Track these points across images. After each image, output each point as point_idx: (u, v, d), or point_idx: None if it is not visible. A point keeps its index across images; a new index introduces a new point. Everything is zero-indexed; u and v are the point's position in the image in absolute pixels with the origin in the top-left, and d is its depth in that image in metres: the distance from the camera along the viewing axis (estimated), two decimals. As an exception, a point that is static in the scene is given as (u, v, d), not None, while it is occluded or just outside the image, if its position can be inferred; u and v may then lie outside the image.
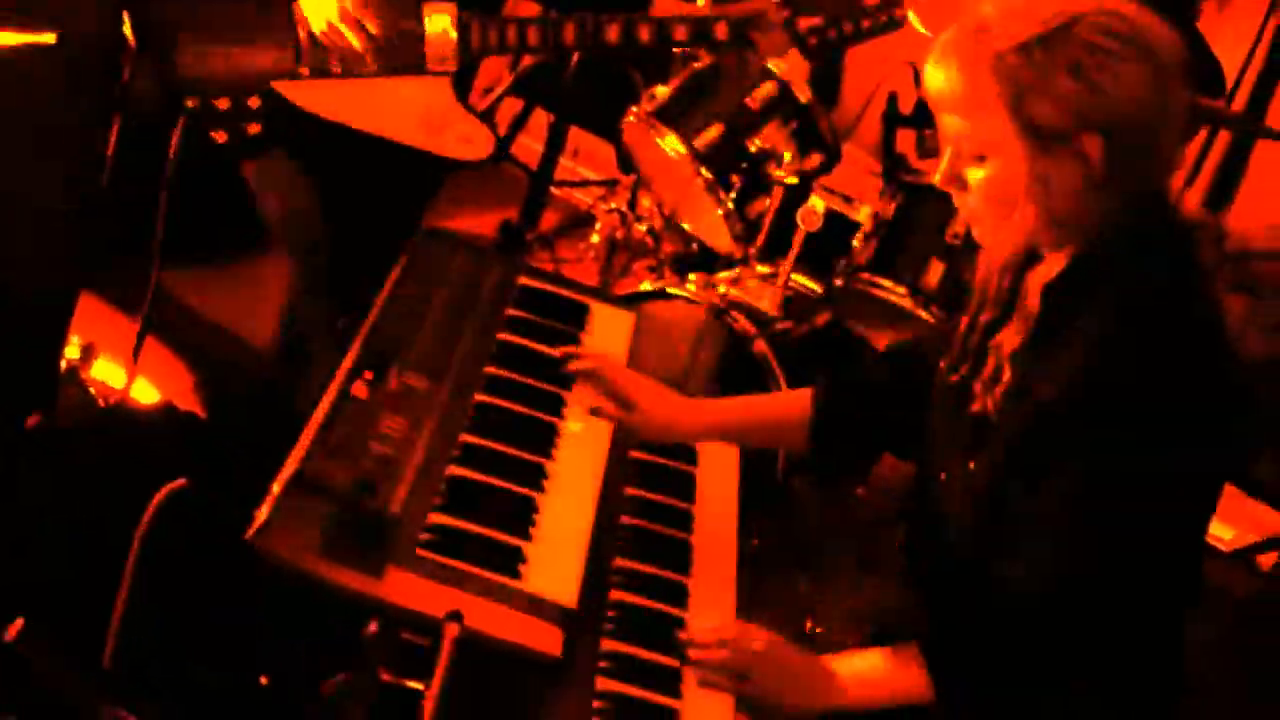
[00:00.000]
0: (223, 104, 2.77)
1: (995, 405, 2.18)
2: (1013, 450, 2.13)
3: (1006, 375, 2.17)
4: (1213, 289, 2.13)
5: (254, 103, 2.78)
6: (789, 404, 2.64)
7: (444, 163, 3.01)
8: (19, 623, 1.74)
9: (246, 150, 2.85)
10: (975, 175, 2.12)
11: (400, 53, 2.84)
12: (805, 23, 2.97)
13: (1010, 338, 2.20)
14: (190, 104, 2.78)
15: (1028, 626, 2.11)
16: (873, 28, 3.01)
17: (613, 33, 2.86)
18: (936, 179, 2.19)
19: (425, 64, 2.84)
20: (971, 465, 2.21)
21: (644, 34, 2.88)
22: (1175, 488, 2.07)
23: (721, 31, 2.96)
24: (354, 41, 2.80)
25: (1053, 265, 2.18)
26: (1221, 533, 5.09)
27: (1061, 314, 2.13)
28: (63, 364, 3.81)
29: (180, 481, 2.15)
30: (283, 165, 3.12)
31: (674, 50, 4.03)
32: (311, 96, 2.81)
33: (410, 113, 2.86)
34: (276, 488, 2.05)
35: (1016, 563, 2.11)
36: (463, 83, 3.27)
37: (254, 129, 2.79)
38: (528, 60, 4.76)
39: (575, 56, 4.56)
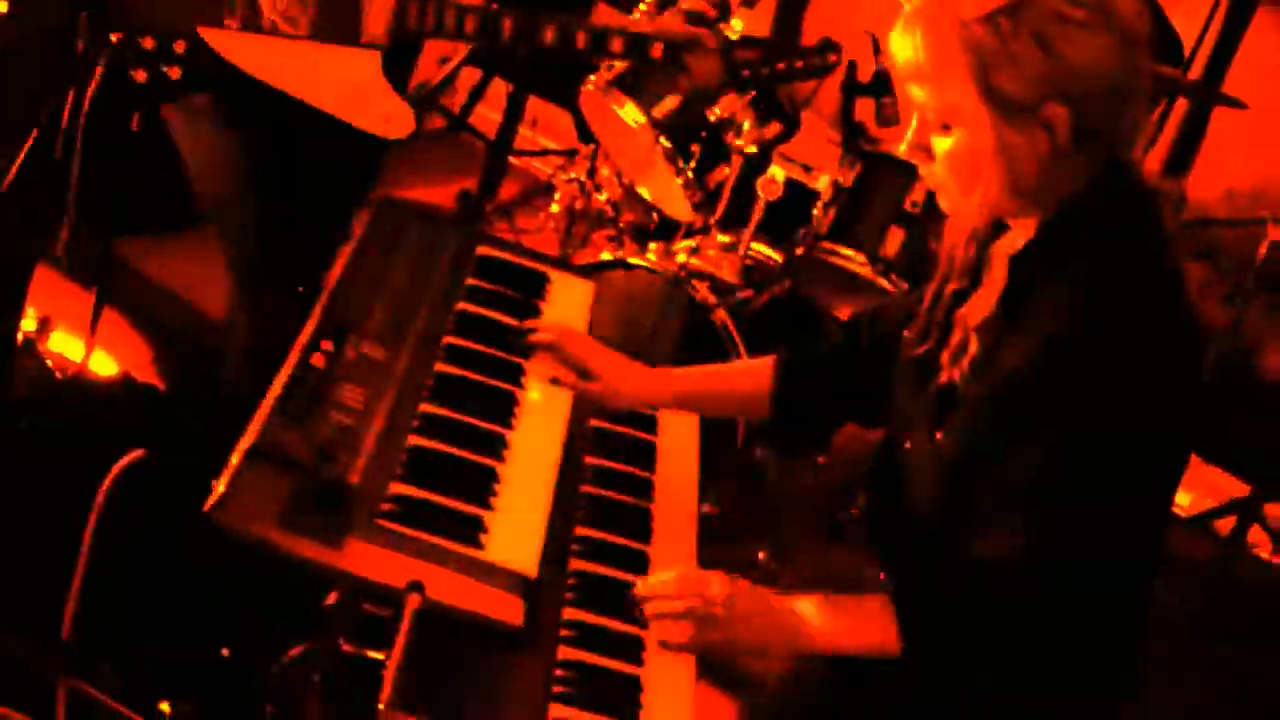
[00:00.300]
0: (148, 44, 2.75)
1: (962, 376, 2.19)
2: (981, 420, 2.13)
3: (973, 346, 2.17)
4: (1176, 256, 2.13)
5: (179, 47, 2.76)
6: (751, 373, 2.63)
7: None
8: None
9: (163, 95, 2.83)
10: (941, 145, 2.11)
11: (336, 21, 2.82)
12: (742, 55, 2.98)
13: (977, 308, 2.20)
14: (115, 39, 2.75)
15: (1000, 592, 2.11)
16: (806, 69, 3.03)
17: (549, 34, 2.86)
18: (902, 149, 2.18)
19: (359, 36, 2.82)
20: (939, 436, 2.21)
21: (580, 41, 2.89)
22: (1144, 453, 2.07)
23: (657, 51, 2.97)
24: (291, 1, 2.79)
25: (1018, 235, 2.19)
26: (1179, 499, 5.12)
27: (1028, 284, 2.13)
28: (19, 337, 3.79)
29: (138, 452, 2.13)
30: (212, 131, 3.10)
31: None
32: (238, 50, 2.79)
33: (335, 82, 2.84)
34: (234, 459, 2.03)
35: (988, 532, 2.11)
36: (405, 60, 3.26)
37: (174, 74, 2.77)
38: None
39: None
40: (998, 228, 2.23)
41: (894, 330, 2.41)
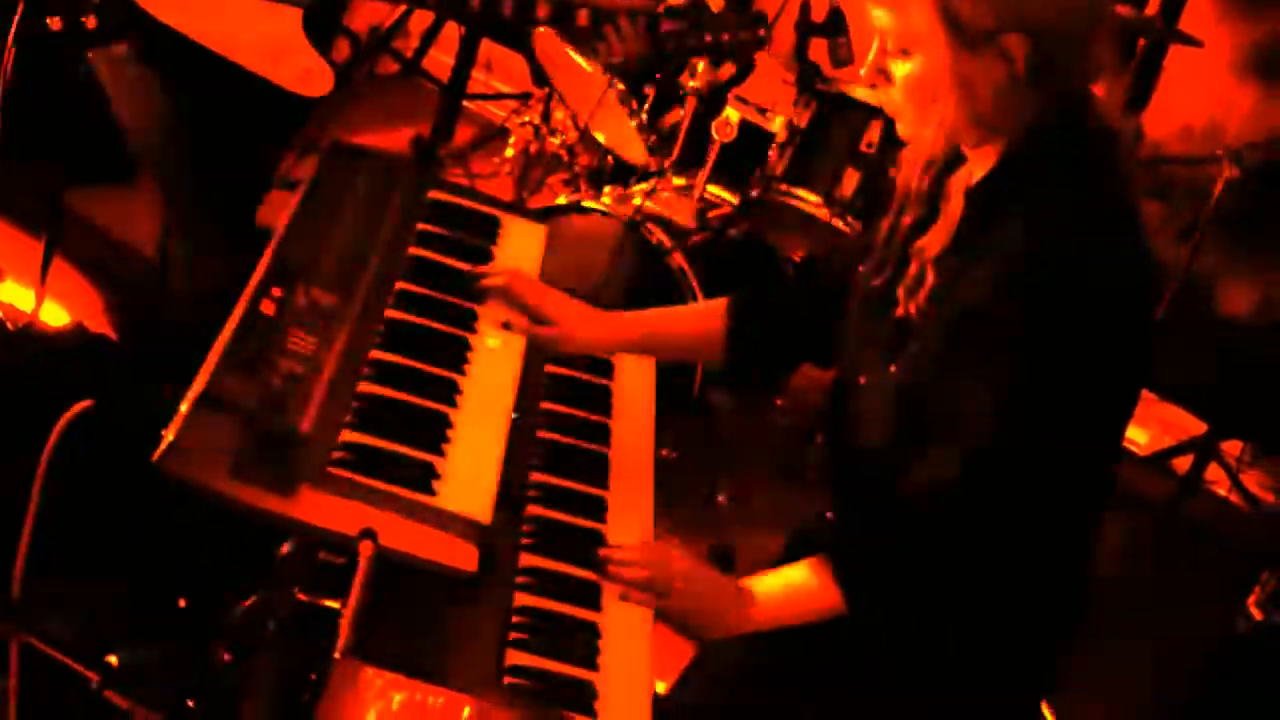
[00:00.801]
0: None
1: (918, 309, 2.18)
2: (936, 352, 2.13)
3: (930, 278, 2.17)
4: (1133, 192, 2.13)
5: None
6: (705, 315, 2.62)
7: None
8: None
9: (80, 41, 2.79)
10: (900, 70, 2.11)
11: None
12: (667, 26, 2.96)
13: (933, 241, 2.20)
14: None
15: (938, 525, 2.12)
16: (732, 43, 3.01)
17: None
18: (862, 72, 2.18)
19: None
20: (893, 369, 2.20)
21: (507, 5, 2.88)
22: (1094, 386, 2.08)
23: (582, 19, 2.95)
24: None
25: (976, 167, 2.18)
26: (1137, 437, 5.16)
27: (985, 216, 2.13)
28: (-32, 289, 3.75)
29: (85, 403, 2.10)
30: (134, 78, 3.07)
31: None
32: (155, 1, 2.75)
33: (255, 37, 2.81)
34: (183, 407, 2.00)
35: (930, 455, 2.11)
36: (330, 16, 3.24)
37: (91, 23, 2.73)
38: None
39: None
40: (955, 160, 2.22)
41: (849, 268, 2.40)
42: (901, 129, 2.21)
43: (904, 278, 2.22)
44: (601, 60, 4.10)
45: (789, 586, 2.25)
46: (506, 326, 2.49)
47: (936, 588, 2.16)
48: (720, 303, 2.59)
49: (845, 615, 2.20)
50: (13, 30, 2.77)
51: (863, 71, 2.18)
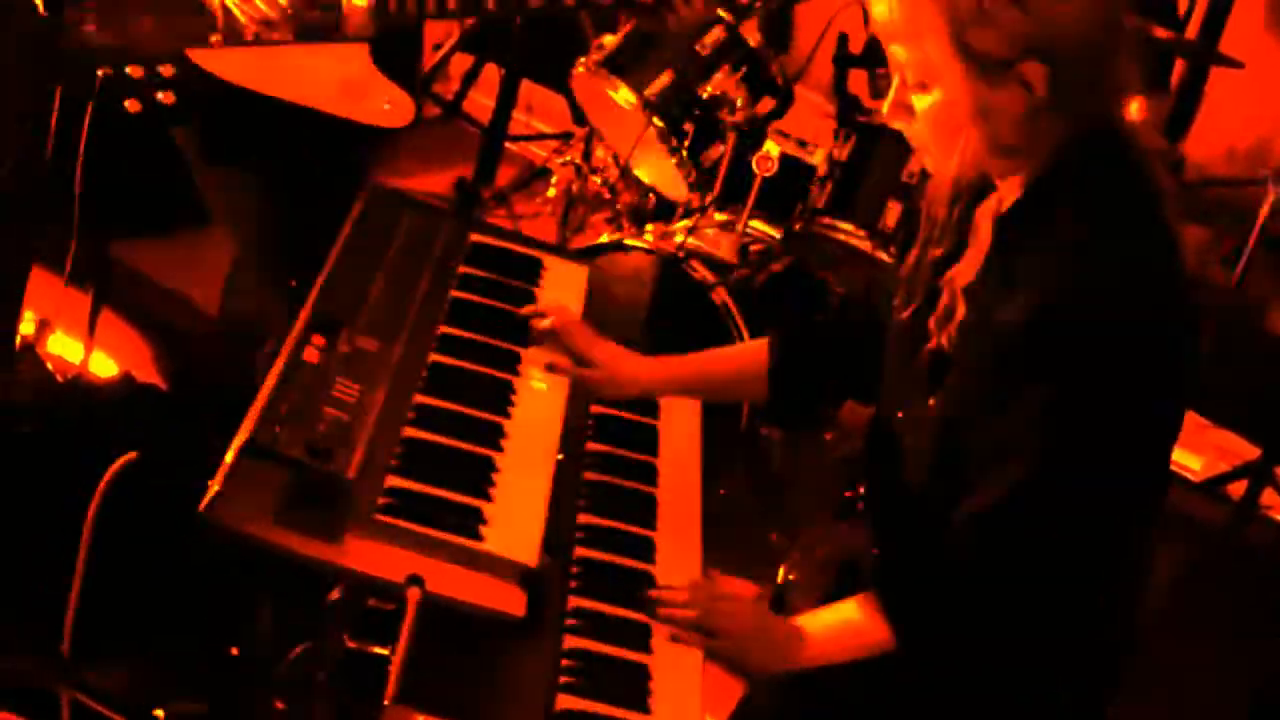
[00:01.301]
0: (135, 72, 2.71)
1: (951, 341, 2.16)
2: (972, 384, 2.11)
3: (960, 310, 2.15)
4: (1169, 214, 2.11)
5: (167, 71, 2.73)
6: (748, 355, 2.61)
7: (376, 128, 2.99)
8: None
9: (162, 119, 2.80)
10: (921, 103, 2.10)
11: (315, 20, 2.80)
12: None
13: (963, 271, 2.18)
14: (102, 73, 2.72)
15: (985, 558, 2.10)
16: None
17: None
18: (884, 109, 2.17)
19: (341, 31, 2.80)
20: (931, 402, 2.19)
21: None
22: (1137, 414, 2.05)
23: None
24: (267, 9, 2.76)
25: (1003, 196, 2.16)
26: (1190, 463, 5.11)
27: (1014, 244, 2.11)
28: (18, 340, 3.77)
29: (131, 455, 2.11)
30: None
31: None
32: (227, 66, 2.76)
33: (328, 81, 2.82)
34: (228, 457, 2.01)
35: (977, 488, 2.09)
36: (408, 47, 3.24)
37: (168, 99, 2.73)
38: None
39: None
40: (982, 189, 2.20)
41: (885, 302, 2.39)
42: (926, 162, 2.20)
43: (935, 310, 2.20)
44: (674, 27, 4.09)
45: (838, 623, 2.23)
46: (551, 369, 2.49)
47: (984, 622, 2.14)
48: (762, 343, 2.58)
49: (894, 651, 2.18)
50: (86, 121, 2.78)
51: (884, 108, 2.17)
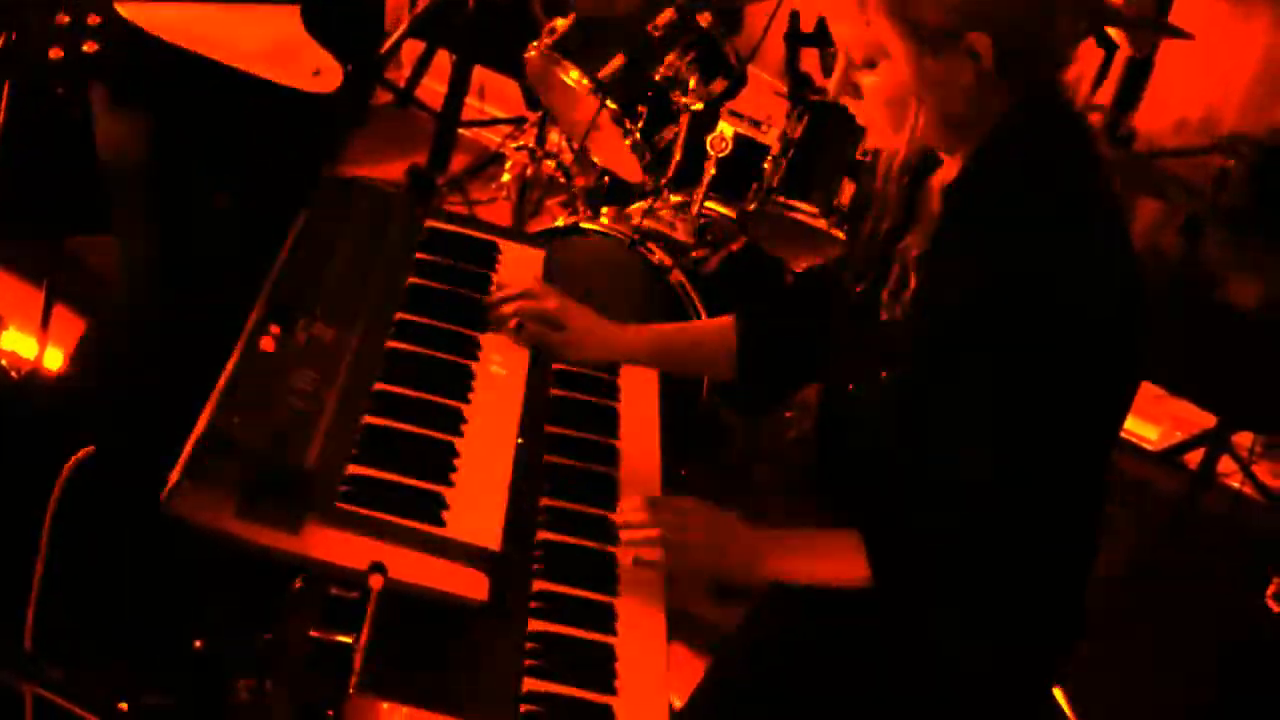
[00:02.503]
0: (62, 19, 2.68)
1: (904, 311, 2.17)
2: (926, 353, 2.12)
3: (913, 281, 2.16)
4: (1108, 177, 2.12)
5: (93, 19, 2.70)
6: (715, 331, 2.61)
7: (333, 115, 2.96)
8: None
9: (82, 70, 2.76)
10: (868, 81, 2.11)
11: None
12: None
13: (914, 243, 2.19)
14: (29, 15, 2.70)
15: (968, 516, 2.11)
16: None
17: None
18: (831, 87, 2.17)
19: None
20: (884, 375, 2.20)
21: None
22: (1082, 385, 2.07)
23: None
24: None
25: (951, 167, 2.18)
26: (1148, 433, 5.15)
27: (963, 213, 2.12)
28: (-30, 340, 3.74)
29: (88, 449, 2.10)
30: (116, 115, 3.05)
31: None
32: (154, 19, 2.73)
33: (257, 43, 2.79)
34: (187, 448, 2.00)
35: (945, 460, 2.11)
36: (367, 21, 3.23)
37: (91, 47, 2.70)
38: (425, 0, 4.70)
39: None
40: (930, 162, 2.21)
41: (835, 278, 2.40)
42: (875, 139, 2.21)
43: (887, 282, 2.21)
44: (611, 62, 4.09)
45: (812, 544, 2.24)
46: (519, 330, 2.49)
47: (949, 580, 2.15)
48: (730, 319, 2.58)
49: (863, 589, 2.18)
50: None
51: (831, 86, 2.17)
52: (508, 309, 2.52)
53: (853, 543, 2.19)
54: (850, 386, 2.29)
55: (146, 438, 2.20)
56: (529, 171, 5.06)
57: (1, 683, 1.79)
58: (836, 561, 2.20)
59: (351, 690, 1.83)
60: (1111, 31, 4.43)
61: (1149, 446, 5.11)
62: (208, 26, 2.77)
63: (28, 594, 2.17)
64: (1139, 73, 4.90)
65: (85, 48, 2.66)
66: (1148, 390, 4.51)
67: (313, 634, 2.06)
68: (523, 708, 2.03)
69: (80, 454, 2.07)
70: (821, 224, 4.13)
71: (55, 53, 2.67)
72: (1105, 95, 4.76)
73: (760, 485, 4.32)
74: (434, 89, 5.63)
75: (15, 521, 2.30)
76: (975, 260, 2.05)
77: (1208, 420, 5.01)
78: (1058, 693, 3.32)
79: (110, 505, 2.47)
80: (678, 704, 2.51)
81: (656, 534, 2.24)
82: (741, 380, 2.59)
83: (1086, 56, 4.38)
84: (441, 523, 2.07)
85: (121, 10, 2.72)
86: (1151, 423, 5.22)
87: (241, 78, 2.80)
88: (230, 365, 2.17)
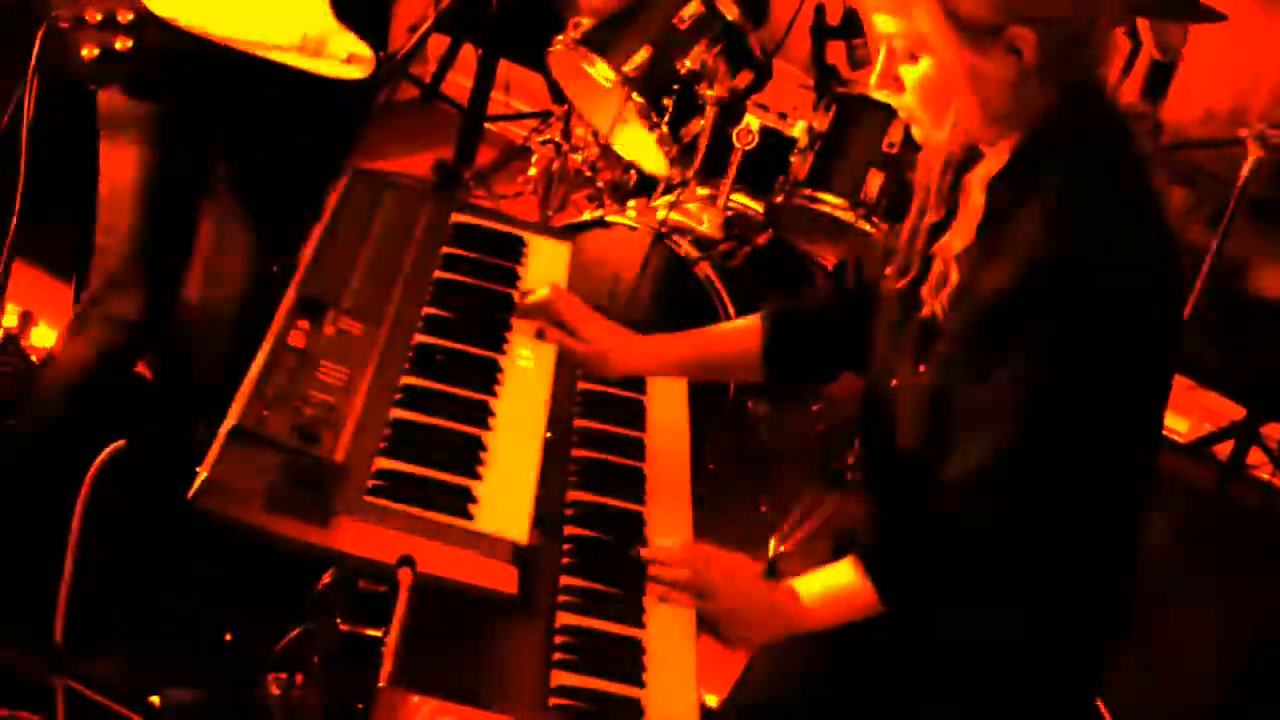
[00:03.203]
0: (93, 17, 2.69)
1: (943, 308, 2.17)
2: (960, 350, 2.11)
3: (953, 276, 2.16)
4: (1150, 174, 2.12)
5: (124, 16, 2.70)
6: (741, 335, 2.59)
7: (354, 106, 2.97)
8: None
9: (115, 67, 2.77)
10: (910, 74, 2.11)
11: None
12: None
13: (955, 238, 2.19)
14: (59, 11, 2.70)
15: (969, 516, 2.10)
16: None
17: None
18: (872, 80, 2.17)
19: None
20: (921, 368, 2.19)
21: None
22: (1123, 376, 2.06)
23: None
24: None
25: (993, 162, 2.17)
26: (1177, 425, 5.12)
27: (1004, 209, 2.12)
28: (0, 333, 3.76)
29: (119, 443, 2.11)
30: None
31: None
32: (184, 11, 2.74)
33: (287, 32, 2.80)
34: (216, 443, 2.00)
35: (959, 451, 2.10)
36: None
37: (123, 44, 2.70)
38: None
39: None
40: (972, 157, 2.20)
41: (877, 273, 2.39)
42: (917, 133, 2.20)
43: (928, 278, 2.21)
44: (636, 54, 4.09)
45: (830, 586, 2.23)
46: (540, 336, 2.48)
47: (970, 581, 2.14)
48: (753, 320, 2.57)
49: (882, 611, 2.18)
50: (33, 58, 2.76)
51: (873, 80, 2.17)
52: (524, 320, 2.52)
53: (857, 572, 2.19)
54: (893, 383, 2.28)
55: (176, 431, 2.21)
56: (555, 166, 5.05)
57: (34, 676, 1.79)
58: (852, 600, 2.20)
59: (381, 684, 1.83)
60: (1140, 28, 4.41)
61: (1178, 438, 5.08)
62: (239, 15, 2.78)
63: (58, 588, 2.17)
64: (1166, 64, 4.88)
65: (118, 44, 2.67)
66: (1178, 382, 4.48)
67: (342, 627, 2.07)
68: (552, 700, 2.03)
69: (111, 448, 2.07)
70: (849, 216, 4.12)
71: (89, 51, 2.68)
72: (1134, 85, 4.74)
73: (786, 478, 4.31)
74: (460, 84, 5.63)
75: (46, 514, 2.31)
76: (1013, 256, 2.04)
77: (1237, 412, 4.99)
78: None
79: (140, 499, 2.48)
80: (707, 698, 2.51)
81: (686, 576, 2.24)
82: (768, 378, 2.58)
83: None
84: (470, 516, 2.08)
85: (151, 4, 2.73)
86: (1181, 414, 5.20)
87: (274, 67, 2.81)
88: (259, 359, 2.18)
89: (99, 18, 2.66)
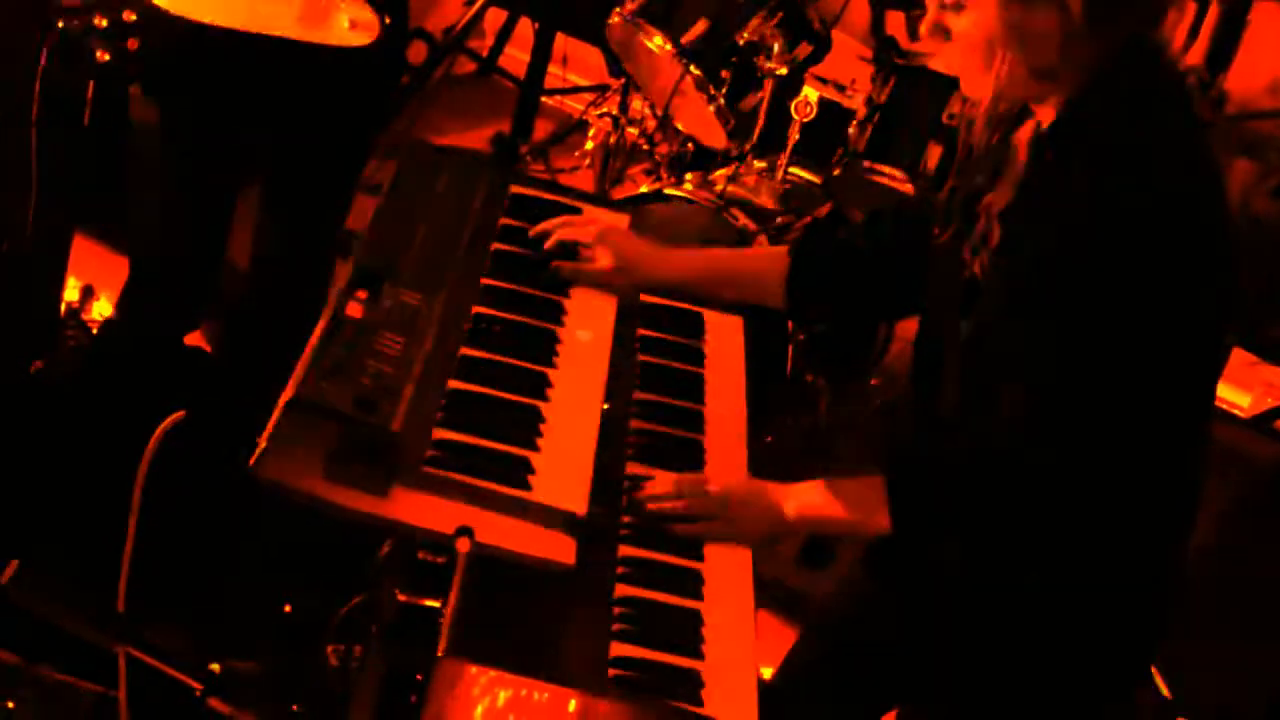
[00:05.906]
0: (101, 22, 2.71)
1: (983, 268, 2.15)
2: (1001, 307, 2.10)
3: (996, 234, 2.14)
4: (1204, 139, 2.09)
5: (129, 16, 2.72)
6: (767, 258, 2.64)
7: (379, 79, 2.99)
8: (13, 566, 1.71)
9: (129, 67, 2.79)
10: (956, 24, 2.09)
11: None
12: None
13: (999, 197, 2.17)
14: (65, 23, 2.72)
15: (999, 462, 2.09)
16: None
17: None
18: (921, 30, 2.15)
19: None
20: (965, 324, 2.17)
21: None
22: (1168, 337, 2.03)
23: None
24: None
25: (1039, 120, 2.14)
26: (1239, 400, 5.07)
27: (1050, 168, 2.09)
28: (63, 307, 3.79)
29: (180, 414, 2.11)
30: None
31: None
32: (185, 3, 2.76)
33: (288, 8, 2.81)
34: (275, 413, 2.01)
35: (987, 405, 2.09)
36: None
37: (133, 44, 2.72)
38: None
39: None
40: (1019, 116, 2.18)
41: (920, 223, 2.37)
42: (964, 85, 2.18)
43: (971, 237, 2.19)
44: (694, 26, 4.08)
45: (834, 492, 2.24)
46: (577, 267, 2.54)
47: (991, 527, 2.13)
48: (784, 249, 2.59)
49: (887, 538, 2.18)
50: (40, 69, 2.78)
51: (922, 29, 2.15)
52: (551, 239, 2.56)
53: (876, 492, 2.18)
54: (940, 338, 2.26)
55: (238, 402, 2.22)
56: (612, 139, 5.05)
57: (96, 644, 1.80)
58: (858, 509, 2.21)
59: (440, 654, 1.83)
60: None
61: (1240, 414, 5.03)
62: (237, 1, 2.79)
63: (121, 557, 2.19)
64: (1232, 31, 4.81)
65: (128, 45, 2.69)
66: (1239, 356, 4.45)
67: (401, 598, 2.07)
68: (611, 671, 2.03)
69: (171, 419, 2.08)
70: (908, 188, 4.10)
71: (101, 55, 2.70)
72: (1197, 56, 4.68)
73: (842, 454, 4.30)
74: (517, 57, 5.63)
75: (109, 486, 2.32)
76: (1058, 215, 2.02)
77: (1302, 386, 4.94)
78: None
79: (201, 470, 2.50)
80: (765, 672, 2.50)
81: (682, 506, 2.27)
82: (788, 303, 2.59)
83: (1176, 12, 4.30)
84: (528, 486, 2.08)
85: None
86: (1243, 389, 5.14)
87: (281, 44, 2.82)
88: (318, 331, 2.18)
89: (105, 22, 2.68)
